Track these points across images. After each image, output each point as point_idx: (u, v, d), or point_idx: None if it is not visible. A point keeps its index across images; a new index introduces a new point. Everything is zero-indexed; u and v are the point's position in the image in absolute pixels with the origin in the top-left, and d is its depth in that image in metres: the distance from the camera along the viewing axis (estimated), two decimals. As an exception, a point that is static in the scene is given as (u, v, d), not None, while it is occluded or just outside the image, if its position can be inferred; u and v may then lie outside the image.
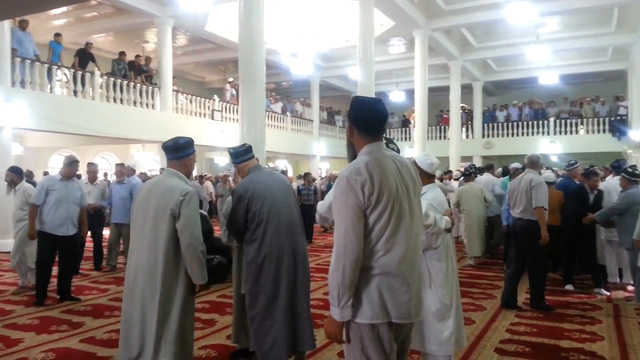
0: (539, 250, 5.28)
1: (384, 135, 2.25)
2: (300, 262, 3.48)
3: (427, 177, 3.34)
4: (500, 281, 6.46)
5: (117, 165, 8.48)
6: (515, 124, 20.36)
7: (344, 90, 23.01)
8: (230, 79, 18.05)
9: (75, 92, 11.32)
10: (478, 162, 19.30)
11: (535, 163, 5.44)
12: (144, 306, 2.93)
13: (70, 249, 5.87)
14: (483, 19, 14.25)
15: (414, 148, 16.31)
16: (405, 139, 21.77)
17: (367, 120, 2.17)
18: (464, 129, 20.58)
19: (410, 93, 18.37)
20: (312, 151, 20.20)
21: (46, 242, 5.58)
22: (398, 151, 3.39)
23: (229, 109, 16.22)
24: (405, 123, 22.86)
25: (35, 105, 10.19)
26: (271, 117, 17.19)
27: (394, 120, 23.71)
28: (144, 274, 2.95)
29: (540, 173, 5.64)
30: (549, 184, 7.08)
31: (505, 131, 20.40)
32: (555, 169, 10.30)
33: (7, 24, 9.74)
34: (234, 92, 17.03)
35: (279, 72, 19.15)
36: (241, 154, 3.63)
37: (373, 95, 10.67)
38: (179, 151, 3.12)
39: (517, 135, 20.09)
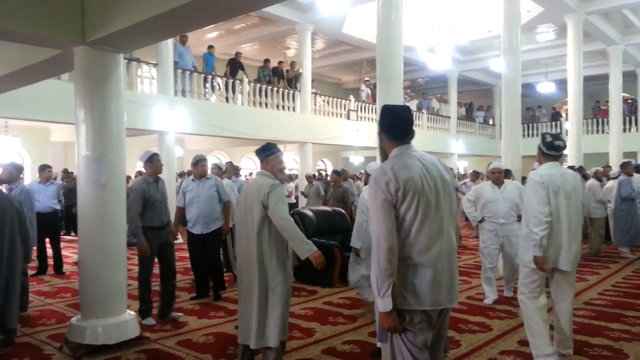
0: None
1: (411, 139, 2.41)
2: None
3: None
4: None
5: (213, 164, 7.96)
6: (692, 113, 17.54)
7: (485, 83, 21.87)
8: (367, 78, 18.22)
9: (227, 99, 12.35)
10: (645, 158, 17.03)
11: None
12: (255, 290, 3.41)
13: (207, 246, 5.80)
14: (650, -4, 12.50)
15: (567, 143, 14.86)
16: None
17: (394, 127, 2.38)
18: (626, 122, 18.26)
19: (561, 83, 16.86)
20: (450, 149, 19.55)
21: (189, 240, 5.92)
22: (564, 146, 3.60)
23: (365, 108, 16.40)
24: (556, 116, 20.98)
25: (193, 112, 11.33)
26: (407, 115, 16.98)
27: (541, 113, 21.92)
28: (251, 261, 3.42)
29: None
30: None
31: (679, 123, 17.67)
32: None
33: (170, 40, 10.96)
34: (369, 91, 17.18)
35: (414, 69, 18.83)
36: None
37: (519, 88, 10.00)
38: (262, 153, 3.62)
39: (696, 126, 17.27)
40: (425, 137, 17.73)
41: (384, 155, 2.42)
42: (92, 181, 4.19)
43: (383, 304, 2.19)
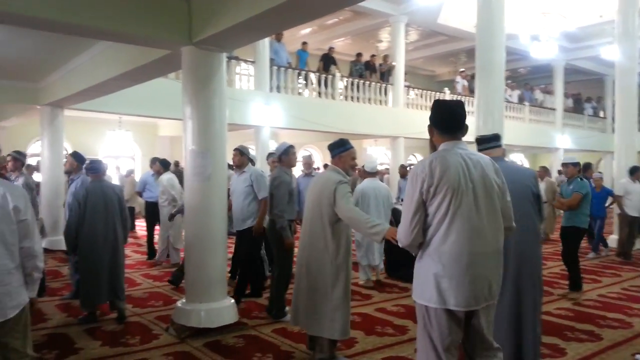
0: None
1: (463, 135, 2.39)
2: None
3: (368, 174, 6.28)
4: None
5: (305, 157, 8.04)
6: None
7: (595, 73, 20.12)
8: (462, 69, 17.55)
9: (319, 94, 12.52)
10: None
11: None
12: (316, 281, 3.53)
13: (242, 245, 5.35)
14: None
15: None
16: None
17: (444, 120, 2.37)
18: None
19: (686, 71, 15.06)
20: (555, 144, 18.28)
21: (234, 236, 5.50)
22: None
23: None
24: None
25: (288, 107, 11.61)
26: (507, 107, 16.08)
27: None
28: (316, 254, 3.54)
29: None
30: None
31: None
32: None
33: (267, 38, 11.30)
34: (465, 83, 16.52)
35: (516, 58, 17.77)
36: (485, 141, 3.52)
37: (635, 77, 9.14)
38: (336, 149, 3.63)
39: None
40: (527, 131, 16.71)
41: (433, 150, 2.42)
42: (198, 174, 4.44)
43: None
